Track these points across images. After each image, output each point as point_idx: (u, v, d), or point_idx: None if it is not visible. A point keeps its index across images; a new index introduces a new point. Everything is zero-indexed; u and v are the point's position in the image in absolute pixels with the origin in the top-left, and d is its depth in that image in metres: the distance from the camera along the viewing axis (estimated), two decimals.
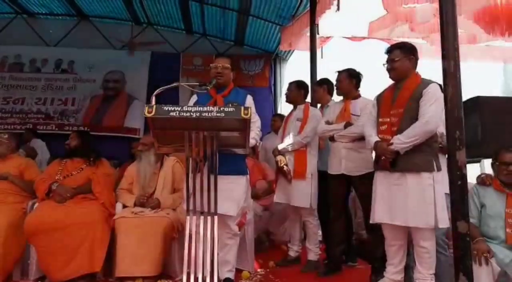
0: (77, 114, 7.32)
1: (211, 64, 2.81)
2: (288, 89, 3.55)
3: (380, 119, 2.62)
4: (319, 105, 3.79)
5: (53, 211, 3.06)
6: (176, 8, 7.15)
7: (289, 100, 3.57)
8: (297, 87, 3.51)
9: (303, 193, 3.26)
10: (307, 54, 5.17)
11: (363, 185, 3.00)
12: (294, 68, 7.81)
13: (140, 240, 3.00)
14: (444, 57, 2.40)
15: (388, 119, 2.55)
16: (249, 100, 2.79)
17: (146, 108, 2.18)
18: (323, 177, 3.29)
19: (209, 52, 7.51)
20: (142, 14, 7.55)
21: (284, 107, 7.25)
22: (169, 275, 3.12)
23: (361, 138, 2.98)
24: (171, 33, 8.00)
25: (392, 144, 2.48)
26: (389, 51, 2.63)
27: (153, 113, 2.19)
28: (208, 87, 2.66)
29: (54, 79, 7.48)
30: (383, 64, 2.64)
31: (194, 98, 2.80)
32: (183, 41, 8.01)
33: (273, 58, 8.03)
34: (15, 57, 7.49)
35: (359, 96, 3.18)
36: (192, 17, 7.38)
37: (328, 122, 3.16)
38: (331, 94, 3.56)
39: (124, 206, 3.34)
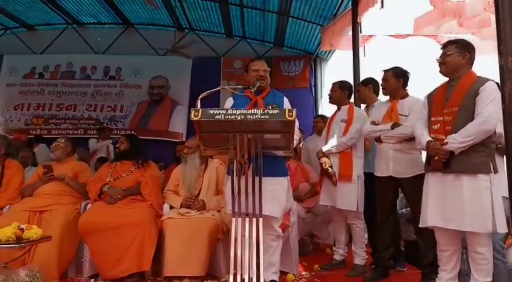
0: (125, 119, 7.64)
1: (252, 68, 2.81)
2: (332, 89, 3.48)
3: (433, 119, 2.51)
4: (363, 105, 3.71)
5: (104, 211, 3.20)
6: (216, 12, 7.27)
7: (332, 101, 3.50)
8: (341, 87, 3.44)
9: (349, 196, 3.19)
10: (348, 54, 5.08)
11: (412, 187, 2.89)
12: (335, 68, 7.72)
13: (187, 240, 3.06)
14: (500, 53, 2.27)
15: (442, 118, 2.44)
16: (287, 102, 2.81)
17: (193, 111, 2.23)
18: (369, 179, 3.21)
19: (249, 55, 7.57)
20: (184, 20, 7.74)
21: (325, 108, 7.17)
22: (215, 275, 3.17)
23: (410, 139, 2.88)
24: (211, 37, 8.15)
25: (446, 143, 2.36)
26: (444, 46, 2.54)
27: (199, 116, 2.23)
28: (252, 90, 2.67)
29: (102, 86, 7.84)
30: (436, 59, 2.54)
31: (230, 101, 2.81)
32: (223, 45, 8.14)
33: (313, 58, 7.97)
34: (67, 65, 7.92)
35: (407, 95, 3.07)
36: (232, 20, 7.48)
37: (374, 123, 3.08)
38: (377, 94, 3.46)
39: (171, 207, 3.44)
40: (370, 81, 3.50)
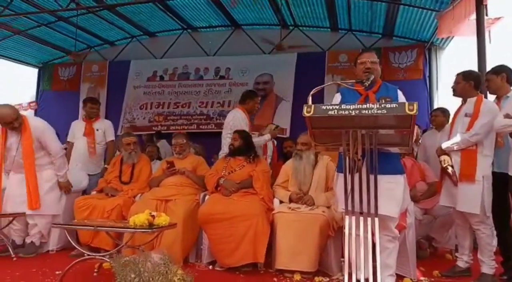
0: None
1: (359, 61, 2.69)
2: (455, 81, 3.15)
3: None
4: (491, 97, 3.30)
5: (221, 202, 3.41)
6: (322, 6, 7.16)
7: (456, 94, 3.17)
8: (465, 78, 3.09)
9: (472, 198, 2.87)
10: (470, 40, 4.57)
11: None
12: (454, 56, 7.03)
13: (298, 235, 3.10)
14: None
15: None
16: (401, 95, 2.63)
17: (305, 108, 2.23)
18: (503, 179, 2.85)
19: (354, 48, 7.32)
20: (289, 17, 7.80)
21: (443, 101, 6.57)
22: (326, 272, 3.15)
23: None
24: (316, 32, 8.06)
25: None
26: None
27: (311, 113, 2.23)
28: (366, 84, 2.57)
29: (213, 85, 8.35)
30: None
31: (338, 97, 2.72)
32: (328, 39, 7.98)
33: (427, 47, 7.34)
34: (183, 68, 8.62)
35: None
36: (338, 13, 7.29)
37: (508, 116, 2.71)
38: (511, 84, 3.05)
39: (281, 202, 3.52)
40: (503, 69, 3.07)
